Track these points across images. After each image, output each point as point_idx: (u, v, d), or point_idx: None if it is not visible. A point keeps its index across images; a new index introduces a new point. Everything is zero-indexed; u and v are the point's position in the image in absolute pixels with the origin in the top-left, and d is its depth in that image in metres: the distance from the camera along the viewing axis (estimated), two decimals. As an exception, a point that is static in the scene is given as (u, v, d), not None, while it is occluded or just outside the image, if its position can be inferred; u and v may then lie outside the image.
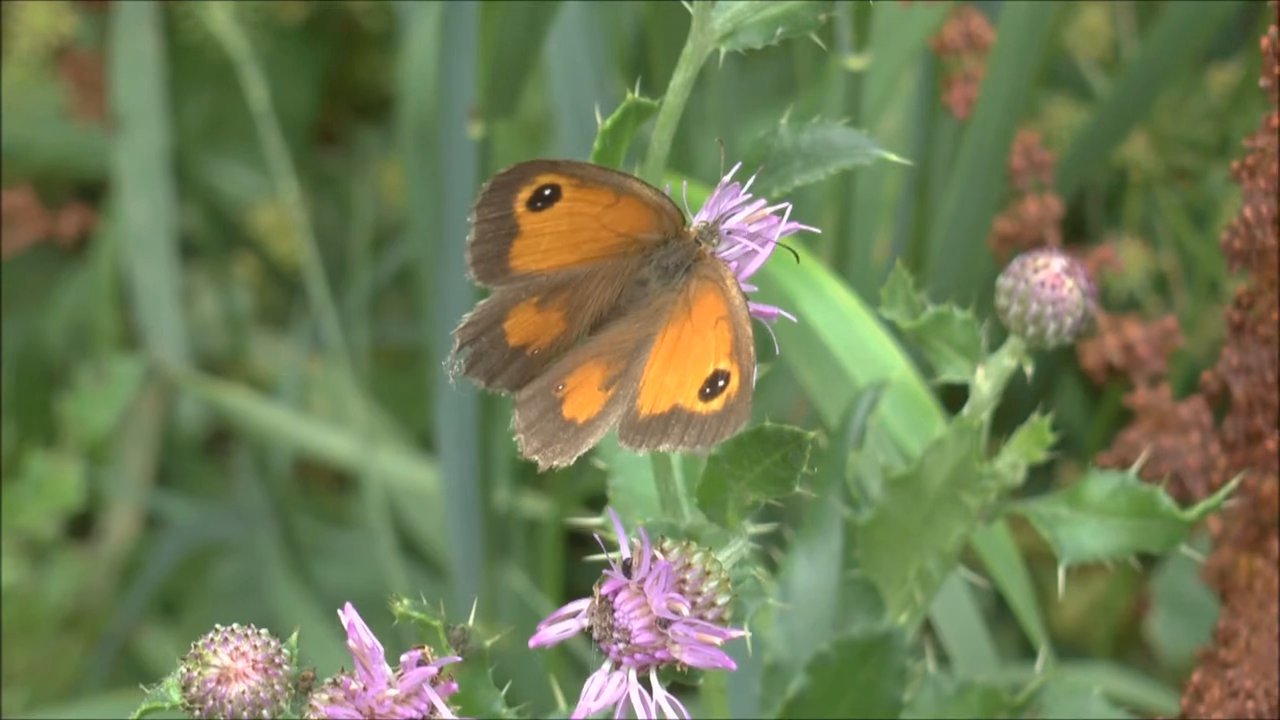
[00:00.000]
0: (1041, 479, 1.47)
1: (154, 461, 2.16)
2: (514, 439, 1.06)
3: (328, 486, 2.26)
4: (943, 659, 1.49)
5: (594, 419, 1.05)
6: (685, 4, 1.10)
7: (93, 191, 2.27)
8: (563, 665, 1.79)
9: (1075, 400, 2.01)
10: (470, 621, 1.10)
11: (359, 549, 2.10)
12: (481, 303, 1.08)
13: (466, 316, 1.08)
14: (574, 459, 1.05)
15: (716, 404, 1.02)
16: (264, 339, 2.27)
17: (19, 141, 2.20)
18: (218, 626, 1.02)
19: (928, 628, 1.44)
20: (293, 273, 2.30)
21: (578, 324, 1.08)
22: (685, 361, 1.04)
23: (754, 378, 1.02)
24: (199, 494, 2.18)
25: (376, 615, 1.08)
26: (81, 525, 2.12)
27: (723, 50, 1.10)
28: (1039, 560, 1.80)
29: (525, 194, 1.06)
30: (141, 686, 1.04)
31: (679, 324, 1.06)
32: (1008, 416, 1.32)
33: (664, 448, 1.02)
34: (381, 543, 1.97)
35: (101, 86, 2.08)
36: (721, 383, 1.02)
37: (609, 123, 1.09)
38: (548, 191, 1.06)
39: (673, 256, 1.07)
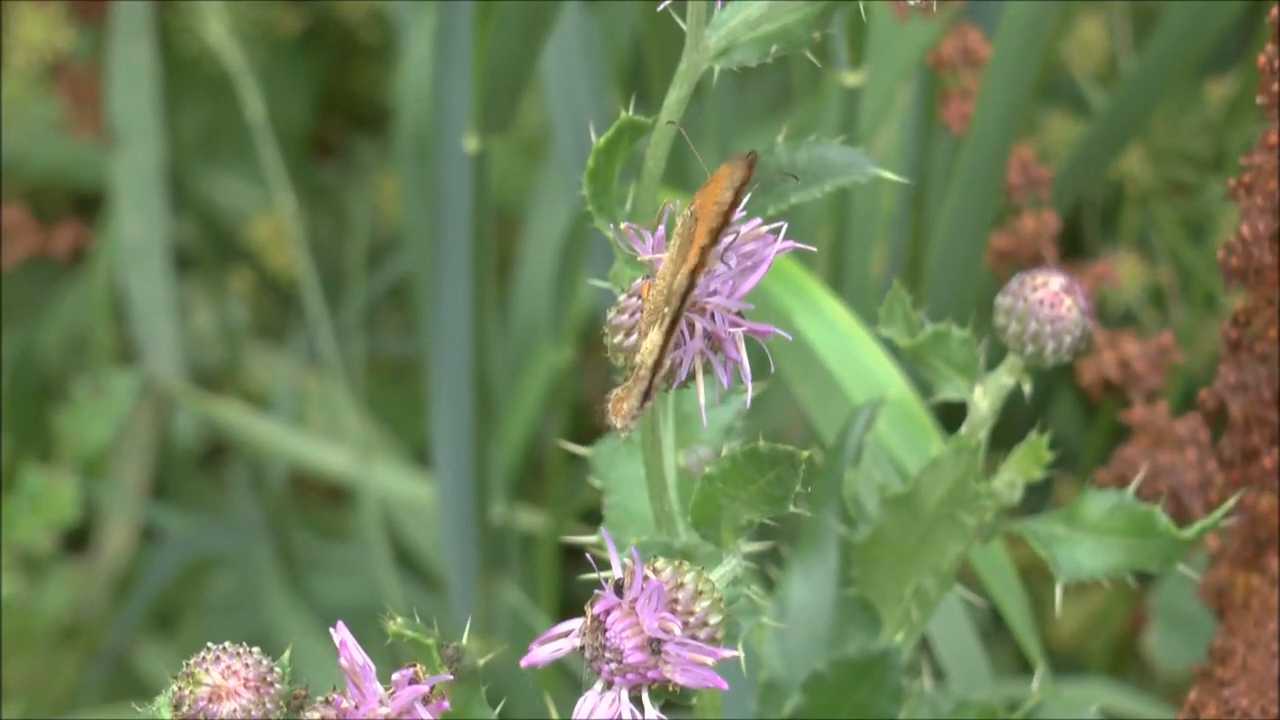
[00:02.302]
0: (1038, 494, 1.46)
1: (149, 475, 2.15)
2: None
3: (323, 500, 2.26)
4: (938, 675, 1.48)
5: None
6: (680, 21, 1.10)
7: (87, 204, 2.26)
8: (559, 681, 1.79)
9: (1071, 417, 2.00)
10: (464, 639, 1.09)
11: (354, 562, 2.10)
12: None
13: None
14: None
15: None
16: (259, 352, 2.26)
17: (14, 155, 2.20)
18: (210, 645, 1.02)
19: (923, 645, 1.44)
20: (288, 286, 2.29)
21: None
22: None
23: None
24: (194, 507, 2.18)
25: (372, 629, 1.08)
26: (77, 539, 2.11)
27: (717, 68, 1.10)
28: (1035, 574, 1.79)
29: None
30: (134, 705, 1.04)
31: None
32: (1004, 434, 1.32)
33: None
34: (377, 556, 1.97)
35: (98, 100, 2.07)
36: None
37: (603, 141, 1.09)
38: None
39: None
